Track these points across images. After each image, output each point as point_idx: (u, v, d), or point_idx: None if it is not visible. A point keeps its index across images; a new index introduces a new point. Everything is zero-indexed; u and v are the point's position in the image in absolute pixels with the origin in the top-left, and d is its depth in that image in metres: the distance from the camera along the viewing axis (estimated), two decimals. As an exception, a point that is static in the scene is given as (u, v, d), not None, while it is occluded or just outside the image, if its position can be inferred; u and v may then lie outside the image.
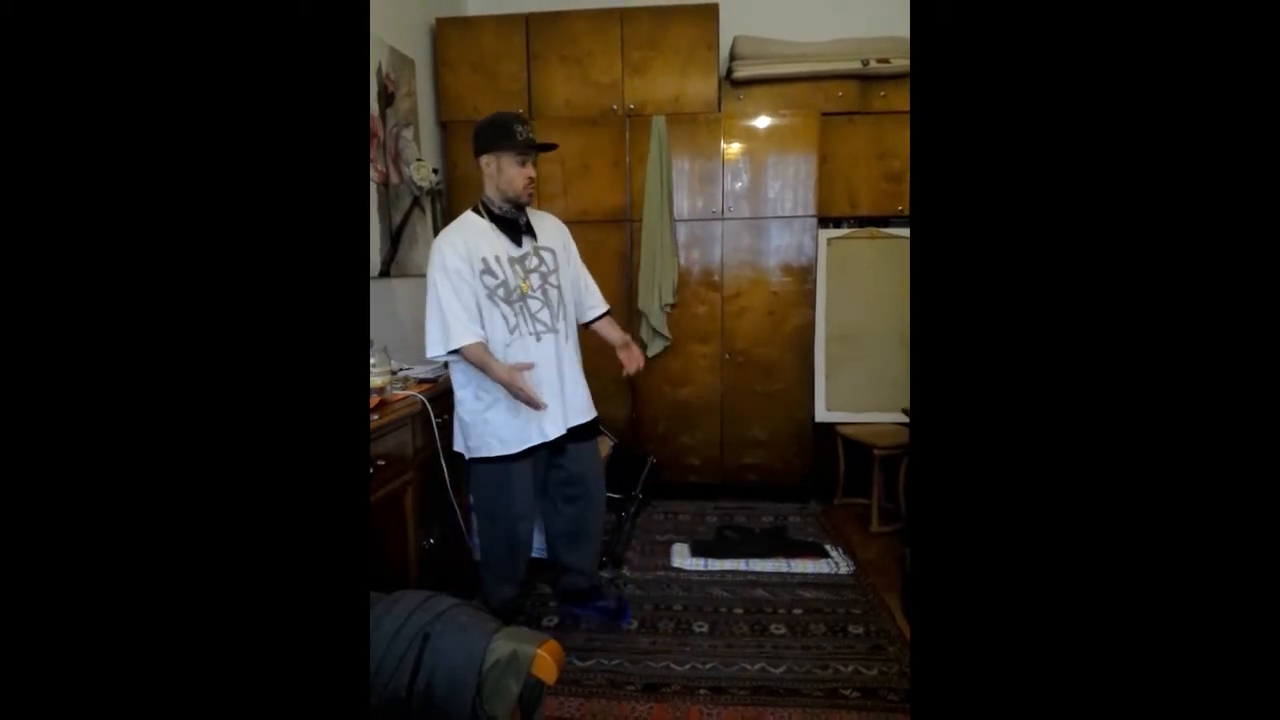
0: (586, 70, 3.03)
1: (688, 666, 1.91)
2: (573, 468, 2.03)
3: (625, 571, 2.49)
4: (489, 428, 1.89)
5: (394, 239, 2.66)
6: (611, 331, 2.11)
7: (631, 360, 2.05)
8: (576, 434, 1.99)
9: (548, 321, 1.91)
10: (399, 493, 1.82)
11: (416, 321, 2.87)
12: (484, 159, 1.86)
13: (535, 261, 1.91)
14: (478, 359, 1.84)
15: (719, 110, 3.04)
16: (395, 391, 1.88)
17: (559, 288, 1.94)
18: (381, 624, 1.11)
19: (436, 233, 3.01)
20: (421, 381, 2.04)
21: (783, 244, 3.05)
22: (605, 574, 2.27)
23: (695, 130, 3.01)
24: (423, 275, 2.90)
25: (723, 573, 2.47)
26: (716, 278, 3.09)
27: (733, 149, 3.02)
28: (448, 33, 3.06)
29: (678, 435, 3.16)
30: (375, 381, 1.81)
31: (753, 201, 3.04)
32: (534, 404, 1.85)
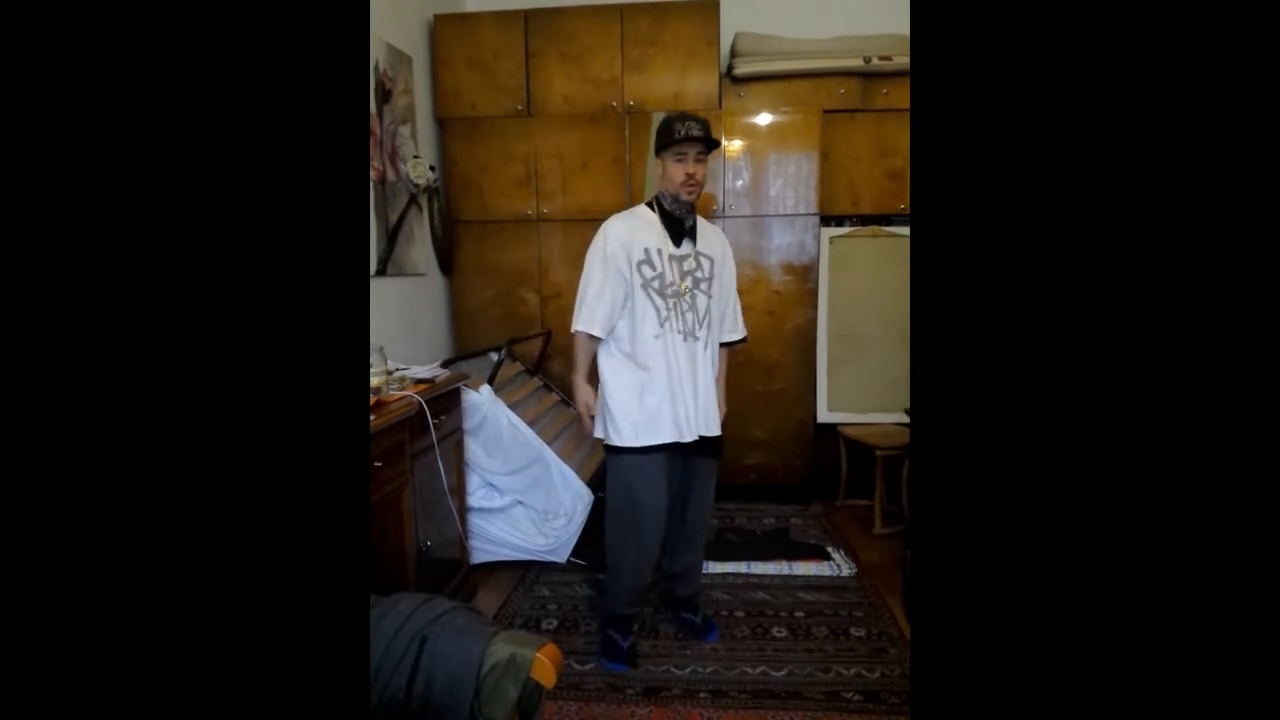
0: (586, 67, 3.01)
1: (688, 670, 1.89)
2: (692, 479, 2.01)
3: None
4: (626, 417, 1.88)
5: (391, 237, 2.64)
6: (722, 364, 2.09)
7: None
8: (701, 446, 1.96)
9: (692, 327, 1.91)
10: (396, 494, 1.80)
11: (415, 321, 2.87)
12: (656, 161, 1.93)
13: (693, 265, 1.92)
14: (584, 353, 1.91)
15: (720, 107, 3.02)
16: (392, 392, 1.86)
17: (710, 296, 1.94)
18: (380, 626, 1.10)
19: (434, 231, 3.01)
20: (419, 382, 2.02)
21: (784, 242, 3.04)
22: (603, 576, 2.25)
23: (695, 128, 2.99)
24: (420, 274, 2.90)
25: (723, 575, 2.46)
26: (717, 276, 3.07)
27: (733, 146, 3.00)
28: (446, 29, 3.04)
29: (678, 435, 3.15)
30: (372, 382, 1.79)
31: (754, 199, 3.02)
32: (586, 424, 1.97)
